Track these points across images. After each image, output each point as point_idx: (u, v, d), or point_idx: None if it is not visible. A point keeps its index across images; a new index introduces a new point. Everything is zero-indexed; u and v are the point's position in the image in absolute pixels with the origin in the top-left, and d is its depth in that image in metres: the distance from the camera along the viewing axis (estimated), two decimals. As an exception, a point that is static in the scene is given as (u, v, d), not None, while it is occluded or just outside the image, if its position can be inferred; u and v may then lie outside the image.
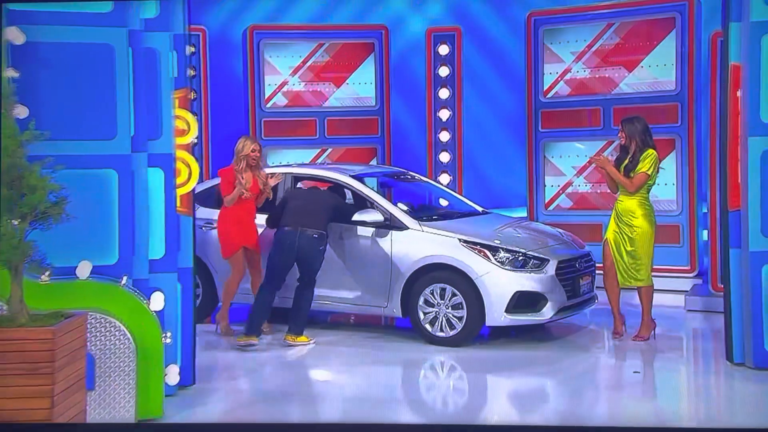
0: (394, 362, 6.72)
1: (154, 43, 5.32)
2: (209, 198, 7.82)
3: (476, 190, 10.90)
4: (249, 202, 7.37)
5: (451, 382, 6.43)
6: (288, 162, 10.13)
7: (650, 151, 6.86)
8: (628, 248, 6.91)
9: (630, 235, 6.89)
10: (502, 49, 11.74)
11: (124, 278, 5.03)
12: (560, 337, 7.32)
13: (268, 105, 10.30)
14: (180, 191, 5.40)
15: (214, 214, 7.76)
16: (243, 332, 6.99)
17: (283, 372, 6.56)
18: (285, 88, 10.35)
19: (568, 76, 9.73)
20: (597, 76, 9.58)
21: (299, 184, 7.75)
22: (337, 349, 7.06)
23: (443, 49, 10.33)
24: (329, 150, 10.46)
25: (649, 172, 6.81)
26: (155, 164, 5.26)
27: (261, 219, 7.47)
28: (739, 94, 6.09)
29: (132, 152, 5.12)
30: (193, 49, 9.77)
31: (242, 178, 7.26)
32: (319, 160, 10.36)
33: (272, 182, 7.47)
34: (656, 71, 9.29)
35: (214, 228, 7.70)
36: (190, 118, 5.56)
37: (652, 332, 7.07)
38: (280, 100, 10.35)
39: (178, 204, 5.38)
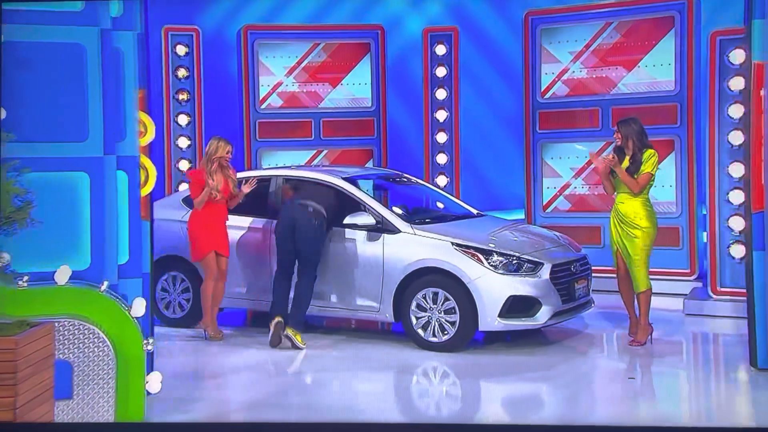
0: (385, 368, 6.62)
1: (119, 42, 5.21)
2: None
3: (474, 192, 10.79)
4: (220, 204, 7.27)
5: (444, 388, 6.31)
6: (284, 164, 10.05)
7: (652, 150, 6.84)
8: (629, 251, 6.83)
9: (634, 236, 6.81)
10: (500, 49, 11.60)
11: (105, 283, 4.92)
12: (556, 341, 7.21)
13: (263, 106, 10.18)
14: None
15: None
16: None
17: (268, 378, 6.45)
18: (280, 89, 10.24)
19: (566, 77, 9.60)
20: (595, 76, 9.45)
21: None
22: (328, 354, 6.96)
23: (440, 49, 10.19)
24: (325, 152, 10.34)
25: (653, 172, 6.80)
26: (119, 167, 5.16)
27: (233, 220, 7.40)
28: (762, 93, 5.94)
29: (105, 155, 5.01)
30: (186, 50, 9.73)
31: (212, 179, 7.15)
32: (315, 162, 10.25)
33: (246, 189, 7.34)
34: (655, 71, 9.15)
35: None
36: (147, 119, 5.46)
37: (649, 337, 6.94)
38: (275, 101, 10.23)
39: None
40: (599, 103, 9.39)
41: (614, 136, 7.01)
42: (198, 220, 7.25)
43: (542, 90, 9.69)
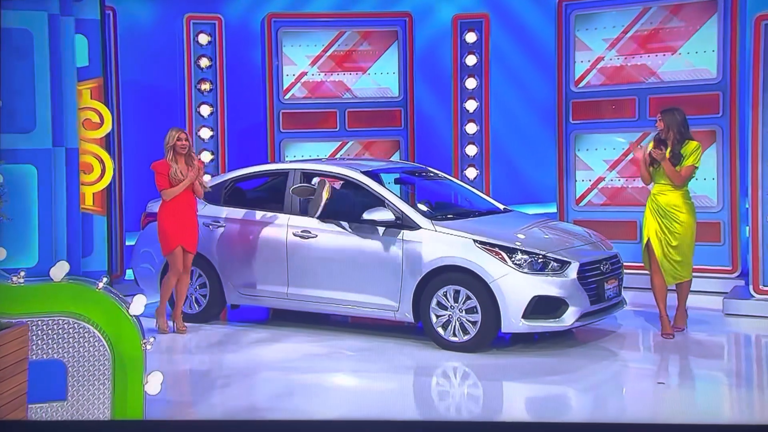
0: (403, 367, 6.37)
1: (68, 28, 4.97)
2: (216, 195, 7.53)
3: (505, 185, 10.45)
4: (188, 195, 7.10)
5: (464, 390, 6.04)
6: (309, 156, 9.84)
7: (695, 143, 6.76)
8: (673, 244, 6.74)
9: (676, 230, 6.74)
10: (532, 36, 11.18)
11: (104, 280, 4.73)
12: (586, 342, 6.89)
13: (287, 96, 9.94)
14: (92, 189, 5.06)
15: (221, 211, 7.49)
16: None
17: (281, 376, 6.21)
18: (304, 79, 9.98)
19: (600, 65, 9.19)
20: (632, 64, 9.03)
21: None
22: (344, 353, 6.74)
23: (470, 37, 9.86)
24: (350, 143, 10.07)
25: (697, 165, 6.72)
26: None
27: (249, 215, 7.27)
28: None
29: (53, 146, 4.78)
30: (209, 39, 9.53)
31: (174, 168, 6.99)
32: (340, 154, 10.00)
33: (193, 174, 7.07)
34: (696, 58, 8.70)
35: (221, 226, 7.42)
36: (104, 110, 5.22)
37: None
38: (299, 91, 9.98)
39: (90, 202, 5.03)
40: (636, 92, 8.99)
41: (657, 125, 6.88)
42: (166, 213, 7.05)
43: (576, 79, 9.30)
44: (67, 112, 4.99)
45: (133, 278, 7.94)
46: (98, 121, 5.19)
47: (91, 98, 5.19)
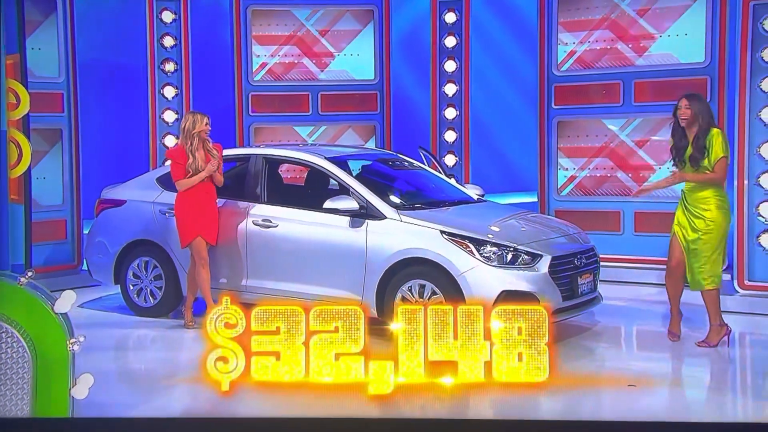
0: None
1: None
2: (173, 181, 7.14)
3: (486, 173, 10.13)
4: (206, 184, 6.71)
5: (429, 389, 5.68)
6: (278, 141, 9.48)
7: (716, 129, 5.96)
8: (692, 246, 6.04)
9: (696, 225, 6.02)
10: (516, 16, 10.81)
11: (29, 274, 4.35)
12: (561, 339, 6.56)
13: (256, 78, 9.55)
14: (9, 175, 4.66)
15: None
16: None
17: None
18: (275, 60, 9.58)
19: (584, 47, 8.81)
20: (617, 46, 8.66)
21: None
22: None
23: (450, 17, 9.50)
24: (323, 128, 9.69)
25: (727, 155, 5.95)
26: None
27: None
28: None
29: None
30: (173, 16, 9.11)
31: (193, 158, 6.60)
32: (312, 139, 9.63)
33: (213, 165, 6.64)
34: (683, 41, 8.33)
35: (178, 214, 7.05)
36: (21, 89, 4.81)
37: (726, 338, 6.27)
38: (270, 72, 9.59)
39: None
40: (621, 76, 8.62)
41: (681, 113, 5.97)
42: (183, 203, 6.69)
43: (558, 62, 8.92)
44: None
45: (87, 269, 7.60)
46: (14, 101, 4.78)
47: (7, 77, 4.76)
